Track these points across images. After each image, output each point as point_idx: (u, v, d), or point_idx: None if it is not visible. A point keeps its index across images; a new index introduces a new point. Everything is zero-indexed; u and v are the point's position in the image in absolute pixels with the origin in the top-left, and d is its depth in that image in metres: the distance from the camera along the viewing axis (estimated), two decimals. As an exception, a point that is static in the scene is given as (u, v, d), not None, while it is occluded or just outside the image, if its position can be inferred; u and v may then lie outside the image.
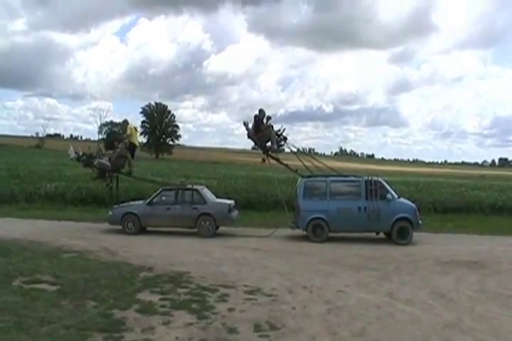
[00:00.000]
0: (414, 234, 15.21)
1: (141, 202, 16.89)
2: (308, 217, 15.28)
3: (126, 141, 17.37)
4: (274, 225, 16.80)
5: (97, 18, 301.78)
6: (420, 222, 15.37)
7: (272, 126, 16.50)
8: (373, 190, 15.23)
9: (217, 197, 17.59)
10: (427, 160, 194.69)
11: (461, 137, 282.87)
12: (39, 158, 50.02)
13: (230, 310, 7.81)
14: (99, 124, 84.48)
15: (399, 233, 15.04)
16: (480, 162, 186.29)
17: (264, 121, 16.42)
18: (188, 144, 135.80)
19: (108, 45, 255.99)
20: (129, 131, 17.54)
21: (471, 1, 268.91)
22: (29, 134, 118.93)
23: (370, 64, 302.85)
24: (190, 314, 7.52)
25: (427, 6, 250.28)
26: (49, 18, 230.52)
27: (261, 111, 16.41)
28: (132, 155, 17.66)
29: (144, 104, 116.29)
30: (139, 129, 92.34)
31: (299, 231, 15.83)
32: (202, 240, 15.17)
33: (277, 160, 16.75)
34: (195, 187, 16.81)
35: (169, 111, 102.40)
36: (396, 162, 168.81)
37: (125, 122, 17.96)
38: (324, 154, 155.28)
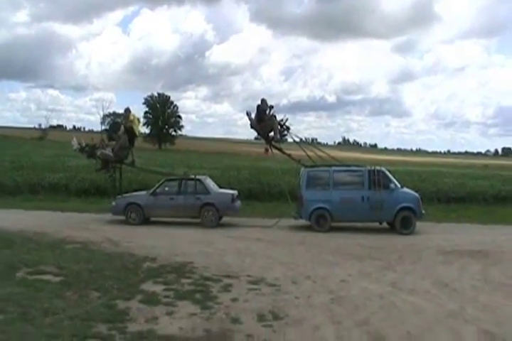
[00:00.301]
0: (417, 223, 15.21)
1: (144, 192, 16.91)
2: (311, 207, 15.28)
3: (128, 124, 17.24)
4: (277, 215, 16.84)
5: (100, 9, 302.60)
6: (423, 211, 15.35)
7: (275, 116, 16.47)
8: (376, 179, 15.20)
9: (220, 187, 17.59)
10: (430, 149, 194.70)
11: (464, 127, 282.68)
12: (42, 150, 50.07)
13: (234, 300, 7.82)
14: (101, 115, 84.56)
15: (402, 223, 15.04)
16: (483, 151, 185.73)
17: (267, 111, 16.37)
18: (190, 135, 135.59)
19: (110, 36, 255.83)
20: (131, 117, 17.41)
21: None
22: (32, 126, 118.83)
23: (373, 54, 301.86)
24: (193, 304, 7.53)
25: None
26: (51, 9, 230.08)
27: (263, 101, 16.36)
28: (132, 144, 17.56)
29: (146, 94, 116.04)
30: (142, 120, 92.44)
31: (302, 221, 15.85)
32: (205, 230, 15.19)
33: (280, 150, 16.74)
34: (198, 177, 16.80)
35: (172, 102, 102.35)
36: (399, 152, 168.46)
37: (127, 110, 17.68)
38: (327, 144, 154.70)
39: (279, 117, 16.62)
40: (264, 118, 16.21)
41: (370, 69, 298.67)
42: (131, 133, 17.29)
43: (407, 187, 16.73)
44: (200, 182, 16.36)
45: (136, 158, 18.11)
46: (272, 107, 16.49)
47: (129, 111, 17.64)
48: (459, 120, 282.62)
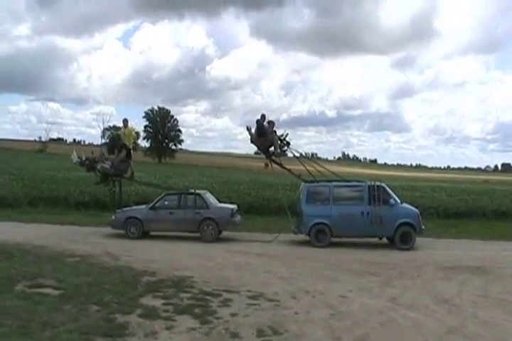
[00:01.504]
0: (417, 239, 15.19)
1: (143, 206, 16.91)
2: (311, 222, 15.26)
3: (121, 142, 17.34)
4: (276, 230, 16.82)
5: (101, 23, 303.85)
6: (423, 227, 15.35)
7: (275, 131, 16.51)
8: (376, 195, 15.22)
9: (220, 201, 17.60)
10: (429, 165, 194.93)
11: (463, 142, 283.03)
12: (42, 162, 50.11)
13: (233, 315, 7.80)
14: (102, 129, 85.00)
15: (402, 238, 15.02)
16: (483, 167, 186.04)
17: (265, 124, 16.37)
18: (190, 149, 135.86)
19: (111, 50, 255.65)
20: (126, 132, 17.39)
21: (473, 6, 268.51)
22: (32, 138, 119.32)
23: (373, 69, 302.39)
24: (193, 319, 7.51)
25: (429, 11, 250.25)
26: (53, 22, 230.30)
27: (263, 116, 16.41)
28: (129, 157, 17.51)
29: (146, 108, 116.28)
30: (142, 134, 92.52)
31: (301, 236, 15.82)
32: (205, 245, 15.17)
33: (280, 165, 16.75)
34: (197, 191, 16.81)
35: (172, 116, 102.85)
36: (399, 167, 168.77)
37: (125, 121, 17.60)
38: (327, 159, 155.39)
39: (279, 132, 16.68)
40: (264, 133, 16.24)
41: (369, 85, 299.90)
42: (124, 148, 17.30)
43: (407, 202, 16.73)
44: (199, 197, 16.37)
45: (136, 172, 18.10)
46: (272, 123, 16.49)
47: (126, 122, 17.60)
48: (458, 135, 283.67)
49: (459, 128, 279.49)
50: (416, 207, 16.23)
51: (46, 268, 10.44)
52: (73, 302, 8.04)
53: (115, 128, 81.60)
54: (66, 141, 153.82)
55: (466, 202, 23.99)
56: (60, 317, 7.17)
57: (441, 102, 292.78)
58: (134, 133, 18.20)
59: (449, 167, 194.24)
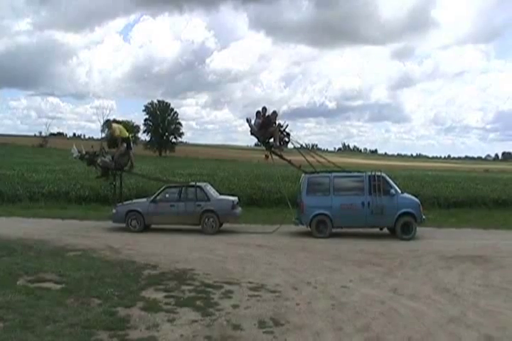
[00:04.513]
0: (418, 229, 15.20)
1: (144, 199, 16.91)
2: (311, 213, 15.27)
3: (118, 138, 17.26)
4: (277, 221, 16.82)
5: (101, 17, 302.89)
6: (424, 216, 15.35)
7: (275, 123, 16.47)
8: (377, 185, 15.20)
9: (221, 194, 17.60)
10: (430, 155, 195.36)
11: (464, 132, 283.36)
12: (42, 157, 50.07)
13: (235, 306, 7.82)
14: (102, 123, 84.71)
15: (402, 228, 15.03)
16: (483, 156, 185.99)
17: (274, 120, 16.36)
18: (191, 141, 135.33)
19: (112, 44, 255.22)
20: (117, 131, 17.21)
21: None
22: (32, 133, 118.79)
23: (372, 60, 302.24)
24: (194, 311, 7.52)
25: (427, 0, 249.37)
26: (53, 17, 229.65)
27: (274, 112, 16.40)
28: (129, 148, 17.45)
29: (146, 102, 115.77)
30: (142, 127, 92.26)
31: (302, 228, 15.84)
32: (206, 237, 15.19)
33: (280, 156, 16.73)
34: (198, 184, 16.81)
35: (172, 109, 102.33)
36: (399, 157, 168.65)
37: (108, 121, 17.57)
38: (327, 150, 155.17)
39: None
40: (269, 125, 16.20)
41: (369, 75, 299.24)
42: (125, 140, 17.21)
43: (408, 192, 16.74)
44: (200, 189, 16.37)
45: (141, 165, 18.00)
46: (275, 113, 16.43)
47: (111, 124, 17.53)
48: (458, 125, 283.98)
49: (459, 118, 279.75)
50: (417, 197, 16.24)
51: (48, 263, 10.46)
52: (75, 296, 8.06)
53: (115, 122, 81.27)
54: (66, 135, 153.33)
55: (467, 192, 24.00)
56: (61, 312, 7.18)
57: (441, 92, 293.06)
58: (121, 126, 18.00)
59: (449, 156, 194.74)
